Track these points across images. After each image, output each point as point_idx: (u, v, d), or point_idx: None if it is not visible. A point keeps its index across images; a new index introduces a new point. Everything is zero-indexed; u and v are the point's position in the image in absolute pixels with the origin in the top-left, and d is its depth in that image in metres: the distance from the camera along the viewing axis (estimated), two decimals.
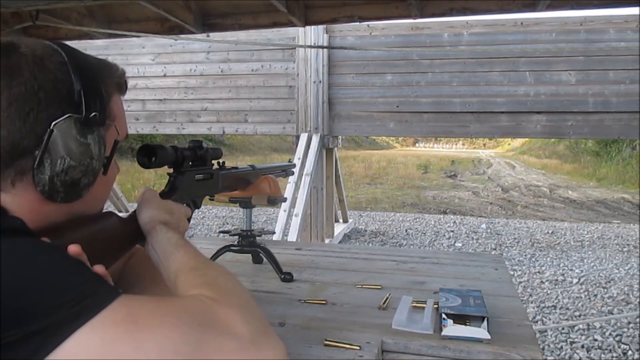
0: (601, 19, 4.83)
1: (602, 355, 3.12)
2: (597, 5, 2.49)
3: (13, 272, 0.46)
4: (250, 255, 1.35)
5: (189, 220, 0.87)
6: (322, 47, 5.12)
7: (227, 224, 7.31)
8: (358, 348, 0.82)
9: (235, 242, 1.29)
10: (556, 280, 4.60)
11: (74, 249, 0.58)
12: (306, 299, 1.07)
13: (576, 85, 4.83)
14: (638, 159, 14.74)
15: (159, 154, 0.81)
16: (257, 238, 1.30)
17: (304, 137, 5.23)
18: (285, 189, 4.59)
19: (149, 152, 0.81)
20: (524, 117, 4.97)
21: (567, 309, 3.91)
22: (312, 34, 5.20)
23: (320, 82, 5.29)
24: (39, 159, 0.58)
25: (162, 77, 5.82)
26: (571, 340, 3.32)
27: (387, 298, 1.05)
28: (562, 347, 3.23)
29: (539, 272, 4.85)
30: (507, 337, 0.86)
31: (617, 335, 3.35)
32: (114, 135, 0.68)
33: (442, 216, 8.30)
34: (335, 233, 6.12)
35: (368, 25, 5.16)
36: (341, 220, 6.84)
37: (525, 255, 5.56)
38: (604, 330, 3.44)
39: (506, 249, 5.87)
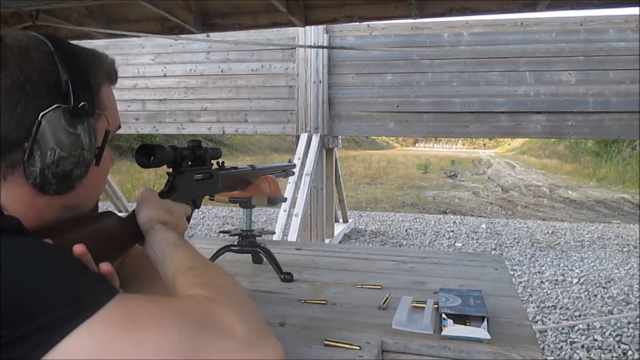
0: (601, 19, 4.83)
1: (602, 355, 3.12)
2: (597, 5, 2.49)
3: (10, 272, 0.46)
4: (250, 255, 1.35)
5: (188, 219, 0.87)
6: (322, 47, 5.12)
7: (227, 224, 7.31)
8: (358, 348, 0.82)
9: (235, 242, 1.29)
10: (556, 280, 4.60)
11: (78, 248, 0.58)
12: (306, 299, 1.07)
13: (576, 85, 4.83)
14: (638, 159, 14.74)
15: (158, 154, 0.81)
16: (257, 238, 1.30)
17: (304, 137, 5.23)
18: (285, 189, 4.59)
19: (148, 152, 0.81)
20: (524, 117, 4.97)
21: (567, 309, 3.91)
22: (312, 34, 5.20)
23: (320, 82, 5.29)
24: (29, 151, 0.57)
25: (162, 77, 5.82)
26: (571, 340, 3.32)
27: (387, 298, 1.05)
28: (562, 347, 3.23)
29: (539, 272, 4.85)
30: (507, 337, 0.86)
31: (617, 335, 3.35)
32: (105, 126, 0.67)
33: (442, 216, 8.30)
34: (335, 233, 6.12)
35: (368, 25, 5.16)
36: (341, 220, 6.84)
37: (525, 255, 5.56)
38: (604, 330, 3.44)
39: (506, 249, 5.87)
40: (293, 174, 1.38)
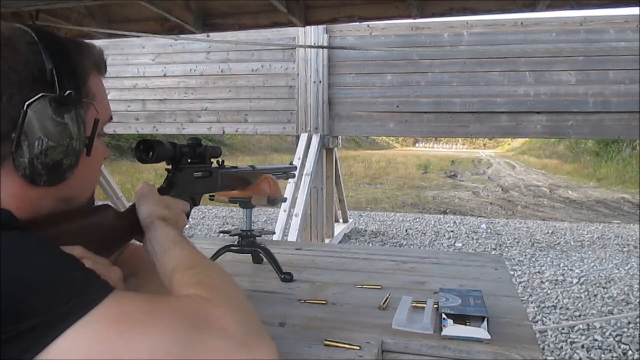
0: (601, 19, 4.83)
1: (602, 355, 3.12)
2: (597, 5, 2.49)
3: (3, 270, 0.46)
4: (250, 255, 1.35)
5: (187, 216, 0.87)
6: (322, 47, 5.12)
7: (227, 224, 7.31)
8: (358, 348, 0.82)
9: (235, 242, 1.29)
10: (556, 280, 4.60)
11: (78, 252, 0.58)
12: (306, 299, 1.07)
13: (576, 85, 4.83)
14: (638, 159, 14.75)
15: (157, 149, 0.81)
16: (257, 238, 1.30)
17: (304, 137, 5.23)
18: (285, 189, 4.59)
19: (147, 147, 0.81)
20: (524, 117, 4.97)
21: (567, 309, 3.91)
22: (312, 34, 5.20)
23: (320, 82, 5.29)
24: (16, 142, 0.57)
25: (162, 77, 5.82)
26: (571, 340, 3.32)
27: (387, 298, 1.05)
28: (562, 347, 3.23)
29: (539, 272, 4.85)
30: (507, 337, 0.86)
31: (617, 335, 3.35)
32: (94, 115, 0.66)
33: (442, 216, 8.30)
34: (335, 233, 6.12)
35: (368, 25, 5.16)
36: (341, 220, 6.84)
37: (525, 255, 5.56)
38: (604, 330, 3.44)
39: (506, 249, 5.87)
40: (294, 176, 1.38)
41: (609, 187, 12.84)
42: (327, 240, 5.65)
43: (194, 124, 5.76)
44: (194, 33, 2.96)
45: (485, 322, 0.87)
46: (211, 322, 0.54)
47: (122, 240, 0.75)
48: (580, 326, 3.51)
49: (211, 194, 1.15)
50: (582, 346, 3.23)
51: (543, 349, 3.20)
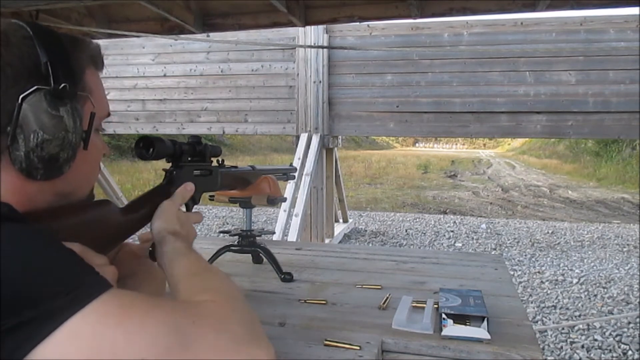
0: (601, 19, 4.83)
1: (602, 355, 3.12)
2: (597, 5, 2.49)
3: (3, 261, 0.46)
4: (250, 255, 1.35)
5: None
6: (322, 47, 5.12)
7: (227, 224, 7.31)
8: (358, 348, 0.82)
9: (235, 242, 1.29)
10: (556, 280, 4.60)
11: (76, 248, 0.58)
12: (306, 299, 1.07)
13: (576, 85, 4.83)
14: (638, 159, 14.74)
15: (157, 146, 0.81)
16: (257, 238, 1.30)
17: (304, 137, 5.23)
18: (285, 189, 4.59)
19: (147, 144, 0.81)
20: (524, 117, 4.97)
21: (567, 309, 3.91)
22: (312, 34, 5.20)
23: (320, 82, 5.29)
24: (12, 135, 0.57)
25: (162, 77, 5.82)
26: (571, 340, 3.32)
27: (387, 298, 1.05)
28: (562, 347, 3.23)
29: (539, 272, 4.85)
30: (507, 337, 0.86)
31: (617, 335, 3.35)
32: (91, 109, 0.66)
33: (442, 216, 8.30)
34: (335, 233, 6.12)
35: (368, 25, 5.16)
36: (341, 220, 6.84)
37: (525, 255, 5.56)
38: (604, 330, 3.44)
39: (506, 249, 5.87)
40: (294, 177, 1.37)
41: (609, 187, 12.84)
42: (327, 240, 5.65)
43: (194, 124, 5.77)
44: (194, 33, 2.96)
45: (485, 322, 0.87)
46: (213, 319, 0.55)
47: (121, 236, 0.76)
48: (580, 326, 3.51)
49: (211, 193, 1.15)
50: (582, 346, 3.23)
51: (543, 349, 3.20)
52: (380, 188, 12.75)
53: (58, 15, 2.73)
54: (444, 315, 0.89)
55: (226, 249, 1.29)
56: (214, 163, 0.99)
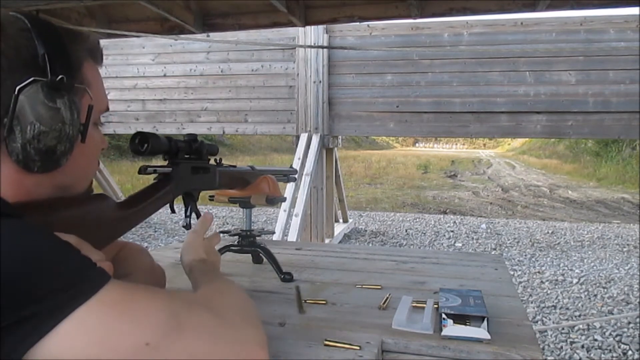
0: (601, 19, 4.83)
1: (602, 355, 3.12)
2: (597, 5, 2.49)
3: (2, 257, 0.46)
4: (250, 255, 1.35)
5: (189, 212, 0.94)
6: (322, 47, 5.12)
7: (227, 224, 7.31)
8: (358, 348, 0.82)
9: (235, 242, 1.29)
10: (556, 280, 4.60)
11: (73, 240, 0.58)
12: (306, 299, 1.07)
13: (576, 85, 4.83)
14: (638, 159, 14.75)
15: (152, 142, 0.81)
16: (257, 238, 1.29)
17: (304, 137, 5.23)
18: (285, 189, 4.59)
19: (142, 140, 0.81)
20: (524, 117, 4.97)
21: (567, 309, 3.91)
22: (312, 34, 5.20)
23: (320, 82, 5.29)
24: (8, 127, 0.57)
25: (162, 77, 5.82)
26: (571, 340, 3.32)
27: (387, 298, 1.05)
28: (562, 347, 3.23)
29: (539, 272, 4.85)
30: (507, 337, 0.86)
31: (617, 335, 3.35)
32: (88, 101, 0.66)
33: (442, 216, 8.30)
34: (335, 233, 6.12)
35: (368, 25, 5.16)
36: (341, 220, 6.84)
37: (525, 255, 5.56)
38: (604, 330, 3.44)
39: (506, 249, 5.87)
40: (294, 179, 1.37)
41: (609, 187, 12.84)
42: (327, 240, 5.65)
43: (194, 124, 5.77)
44: (194, 33, 2.96)
45: (485, 322, 0.86)
46: (207, 303, 0.59)
47: (119, 232, 0.75)
48: (580, 326, 3.51)
49: (210, 192, 1.15)
50: (582, 346, 3.22)
51: (543, 349, 3.20)
52: (380, 188, 12.75)
53: (58, 15, 2.73)
54: (444, 315, 0.89)
55: (226, 249, 1.28)
56: (212, 162, 0.99)
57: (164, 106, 5.86)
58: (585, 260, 5.32)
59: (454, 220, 7.65)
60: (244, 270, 1.31)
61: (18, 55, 0.58)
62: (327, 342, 0.83)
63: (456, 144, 49.62)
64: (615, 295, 4.19)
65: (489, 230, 6.91)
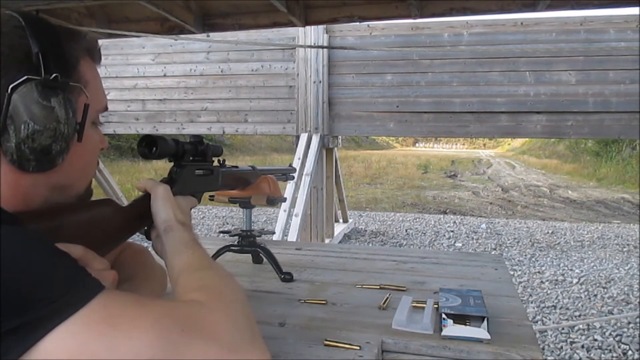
0: (601, 19, 4.83)
1: (602, 355, 3.12)
2: (597, 5, 2.49)
3: None
4: (250, 255, 1.35)
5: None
6: (322, 47, 5.12)
7: (227, 224, 7.31)
8: (358, 348, 0.82)
9: (235, 242, 1.29)
10: (556, 280, 4.60)
11: (79, 252, 0.57)
12: (306, 299, 1.07)
13: (576, 85, 4.83)
14: (638, 159, 14.74)
15: (160, 145, 0.81)
16: (257, 238, 1.30)
17: (304, 137, 5.24)
18: (285, 189, 4.59)
19: (150, 143, 0.81)
20: (524, 117, 4.97)
21: (567, 309, 3.91)
22: (312, 34, 5.20)
23: (320, 82, 5.29)
24: (2, 126, 0.56)
25: (162, 77, 5.82)
26: (571, 340, 3.32)
27: (387, 298, 1.05)
28: (562, 347, 3.23)
29: (539, 272, 4.85)
30: (507, 337, 0.86)
31: (617, 335, 3.35)
32: (84, 100, 0.65)
33: (442, 216, 8.30)
34: (335, 233, 6.12)
35: (368, 25, 5.16)
36: (341, 220, 6.84)
37: (525, 255, 5.56)
38: (604, 330, 3.44)
39: (506, 249, 5.87)
40: (293, 178, 1.37)
41: (609, 187, 12.84)
42: (327, 240, 5.65)
43: (194, 124, 5.77)
44: (194, 33, 2.96)
45: (485, 322, 0.87)
46: (203, 327, 0.54)
47: (124, 236, 0.75)
48: (580, 326, 3.51)
49: (211, 193, 1.15)
50: (582, 346, 3.23)
51: (543, 349, 3.20)
52: (380, 188, 12.75)
53: (58, 15, 2.73)
54: (444, 315, 0.89)
55: (226, 249, 1.29)
56: (215, 163, 0.99)
57: (164, 106, 5.86)
58: (585, 260, 5.32)
59: (454, 220, 7.65)
60: (244, 270, 1.31)
61: (11, 54, 0.57)
62: (327, 342, 0.83)
63: (456, 144, 49.60)
64: (615, 295, 4.19)
65: (489, 230, 6.91)
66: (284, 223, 4.52)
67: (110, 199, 0.75)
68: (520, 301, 1.08)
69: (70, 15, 2.82)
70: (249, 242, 1.28)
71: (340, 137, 5.82)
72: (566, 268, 5.02)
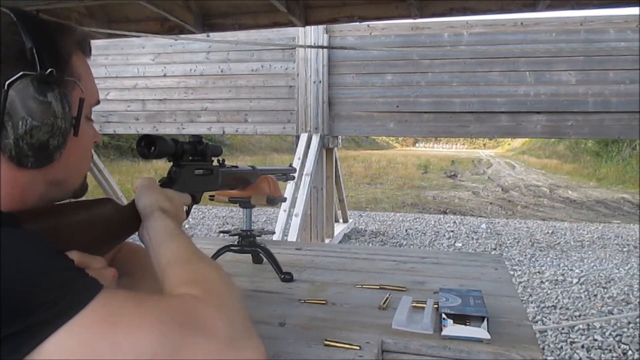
0: (601, 19, 4.83)
1: (602, 355, 3.12)
2: (597, 5, 2.49)
3: None
4: (250, 255, 1.35)
5: (188, 212, 0.88)
6: (322, 47, 5.12)
7: (227, 224, 7.31)
8: (358, 348, 0.82)
9: (235, 242, 1.29)
10: (556, 280, 4.60)
11: (75, 256, 0.57)
12: (306, 299, 1.07)
13: (576, 85, 4.83)
14: (638, 159, 14.74)
15: (159, 145, 0.81)
16: (257, 238, 1.30)
17: (304, 137, 5.24)
18: (285, 189, 4.59)
19: (149, 143, 0.81)
20: (524, 117, 4.97)
21: (567, 309, 3.91)
22: (312, 34, 5.20)
23: (320, 82, 5.29)
24: (0, 122, 0.56)
25: (162, 77, 5.82)
26: (571, 340, 3.32)
27: (387, 298, 1.05)
28: (562, 347, 3.23)
29: (539, 272, 4.85)
30: (507, 337, 0.86)
31: (617, 335, 3.35)
32: (79, 94, 0.65)
33: (442, 216, 8.30)
34: (335, 233, 6.12)
35: (368, 25, 5.16)
36: (341, 220, 6.84)
37: (525, 255, 5.56)
38: (604, 330, 3.44)
39: (506, 249, 5.87)
40: (293, 178, 1.37)
41: (609, 187, 12.84)
42: (327, 240, 5.65)
43: (194, 124, 5.77)
44: (194, 33, 2.96)
45: (485, 322, 0.87)
46: (200, 322, 0.54)
47: (124, 235, 0.75)
48: (580, 326, 3.51)
49: (211, 193, 1.15)
50: (582, 346, 3.23)
51: (543, 349, 3.20)
52: (380, 188, 12.75)
53: (58, 15, 2.73)
54: (444, 315, 0.89)
55: (226, 249, 1.29)
56: (215, 162, 0.99)
57: (164, 106, 5.86)
58: (585, 260, 5.32)
59: (454, 220, 7.65)
60: (244, 270, 1.31)
61: (6, 50, 0.57)
62: (327, 342, 0.83)
63: (456, 144, 49.59)
64: (615, 295, 4.19)
65: (489, 230, 6.91)
66: (284, 223, 4.52)
67: (110, 198, 0.75)
68: (520, 301, 1.08)
69: (70, 15, 2.82)
70: (249, 242, 1.28)
71: (340, 137, 5.82)
72: (566, 268, 5.02)
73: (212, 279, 0.64)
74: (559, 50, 4.80)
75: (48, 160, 0.61)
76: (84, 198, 0.72)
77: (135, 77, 5.85)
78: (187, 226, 6.93)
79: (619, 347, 3.22)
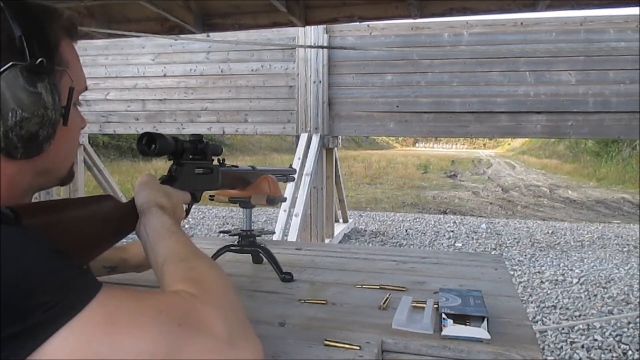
0: (601, 19, 4.83)
1: (602, 355, 3.12)
2: (597, 5, 2.49)
3: None
4: (250, 255, 1.35)
5: (188, 211, 0.88)
6: (322, 47, 5.12)
7: (227, 224, 7.31)
8: (358, 348, 0.82)
9: (235, 242, 1.29)
10: (556, 280, 4.60)
11: None
12: (306, 299, 1.07)
13: (576, 85, 4.83)
14: (638, 159, 14.75)
15: (159, 142, 0.81)
16: (257, 238, 1.29)
17: (304, 137, 5.24)
18: (285, 189, 4.59)
19: (149, 140, 0.81)
20: (524, 117, 4.97)
21: (567, 309, 3.91)
22: (312, 34, 5.20)
23: (320, 82, 5.29)
24: None
25: (162, 77, 5.82)
26: (571, 340, 3.32)
27: (387, 298, 1.05)
28: (562, 347, 3.23)
29: (539, 272, 4.85)
30: (507, 337, 0.86)
31: (617, 335, 3.35)
32: (69, 83, 0.64)
33: (442, 216, 8.30)
34: (335, 233, 6.12)
35: (368, 25, 5.16)
36: (341, 220, 6.84)
37: (525, 255, 5.56)
38: (604, 330, 3.44)
39: (506, 249, 5.87)
40: (293, 179, 1.37)
41: (609, 187, 12.84)
42: (327, 240, 5.65)
43: (194, 124, 5.77)
44: (194, 33, 2.96)
45: (485, 322, 0.86)
46: (198, 321, 0.53)
47: (124, 231, 0.75)
48: (580, 326, 3.51)
49: (211, 192, 1.16)
50: (582, 346, 3.23)
51: (543, 349, 3.20)
52: (380, 188, 12.75)
53: None
54: (444, 315, 0.89)
55: (226, 249, 1.28)
56: (215, 162, 0.99)
57: (164, 106, 5.86)
58: (585, 260, 5.32)
59: (454, 220, 7.65)
60: (244, 270, 1.31)
61: None
62: (327, 342, 0.83)
63: (456, 144, 49.59)
64: (615, 295, 4.19)
65: (489, 230, 6.91)
66: (284, 223, 4.52)
67: (110, 194, 0.75)
68: (520, 301, 1.08)
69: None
70: (249, 242, 1.28)
71: (340, 137, 5.83)
72: (566, 268, 5.02)
73: (210, 277, 0.63)
74: (559, 50, 4.80)
75: (37, 151, 0.60)
76: (83, 195, 0.72)
77: (135, 77, 5.85)
78: (187, 226, 6.93)
79: (619, 347, 3.22)
